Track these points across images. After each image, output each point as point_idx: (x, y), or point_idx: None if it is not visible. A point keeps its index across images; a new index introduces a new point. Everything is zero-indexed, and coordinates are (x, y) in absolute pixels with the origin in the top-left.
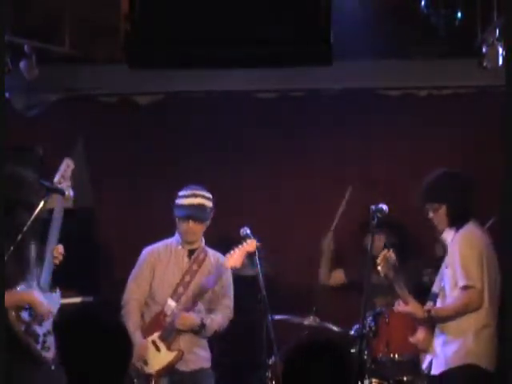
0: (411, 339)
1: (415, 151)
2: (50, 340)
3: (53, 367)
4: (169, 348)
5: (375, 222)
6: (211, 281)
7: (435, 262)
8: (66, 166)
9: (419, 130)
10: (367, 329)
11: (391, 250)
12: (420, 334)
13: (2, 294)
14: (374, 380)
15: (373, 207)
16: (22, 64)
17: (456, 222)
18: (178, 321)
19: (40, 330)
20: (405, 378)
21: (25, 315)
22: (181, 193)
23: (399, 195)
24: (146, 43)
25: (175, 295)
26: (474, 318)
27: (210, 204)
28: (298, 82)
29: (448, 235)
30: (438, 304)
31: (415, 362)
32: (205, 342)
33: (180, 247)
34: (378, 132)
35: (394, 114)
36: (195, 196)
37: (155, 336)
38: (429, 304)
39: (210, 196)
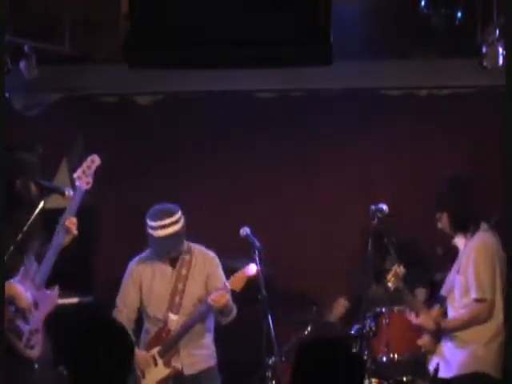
0: (419, 341)
1: (415, 151)
2: (36, 338)
3: (36, 366)
4: (166, 364)
5: (375, 222)
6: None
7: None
8: (91, 161)
9: (419, 129)
10: (367, 329)
11: (401, 266)
12: (426, 337)
13: (2, 294)
14: (373, 380)
15: (373, 207)
16: (21, 64)
17: (462, 228)
18: (214, 299)
19: (25, 327)
20: (405, 378)
21: (10, 309)
22: (149, 221)
23: (399, 195)
24: (146, 43)
25: (174, 307)
26: (485, 327)
27: (180, 224)
28: (298, 82)
29: (459, 241)
30: (449, 309)
31: (416, 362)
32: (207, 340)
33: (160, 261)
34: (378, 132)
35: (394, 114)
36: (164, 227)
37: (155, 351)
38: (436, 307)
39: (178, 214)
